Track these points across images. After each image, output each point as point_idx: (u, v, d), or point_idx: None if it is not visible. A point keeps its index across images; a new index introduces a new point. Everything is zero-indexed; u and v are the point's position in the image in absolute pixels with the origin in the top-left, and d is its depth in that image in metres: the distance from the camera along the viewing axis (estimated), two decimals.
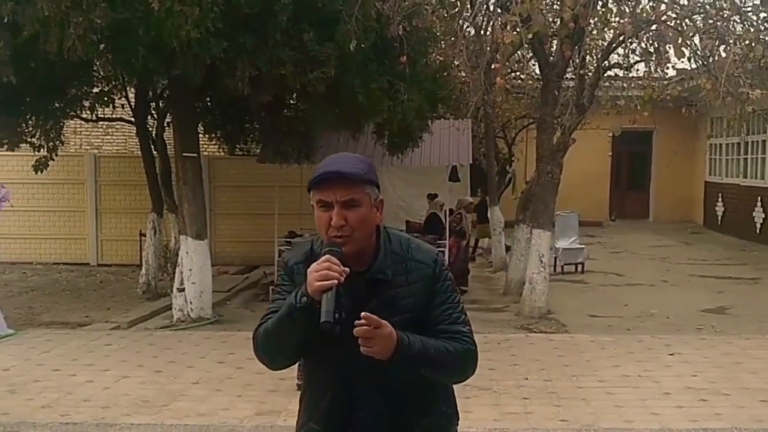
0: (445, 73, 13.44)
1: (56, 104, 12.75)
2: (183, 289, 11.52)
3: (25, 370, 8.80)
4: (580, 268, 16.36)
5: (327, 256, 2.61)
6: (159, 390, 8.04)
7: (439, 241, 13.87)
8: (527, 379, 8.31)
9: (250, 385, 8.14)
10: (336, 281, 2.55)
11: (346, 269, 2.58)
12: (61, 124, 13.85)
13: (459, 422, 3.01)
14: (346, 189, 2.65)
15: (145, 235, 14.64)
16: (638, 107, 12.27)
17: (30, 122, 12.93)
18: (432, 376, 2.79)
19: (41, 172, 14.18)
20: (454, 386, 2.99)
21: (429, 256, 2.83)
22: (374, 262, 2.75)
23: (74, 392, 7.97)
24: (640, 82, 13.01)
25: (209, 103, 13.29)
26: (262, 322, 2.81)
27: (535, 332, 10.82)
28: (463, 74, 15.53)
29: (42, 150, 13.80)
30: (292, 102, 12.46)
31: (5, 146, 13.09)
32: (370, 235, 2.76)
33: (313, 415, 2.87)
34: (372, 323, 2.56)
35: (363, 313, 2.57)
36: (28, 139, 13.45)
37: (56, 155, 14.11)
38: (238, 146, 15.81)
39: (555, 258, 15.75)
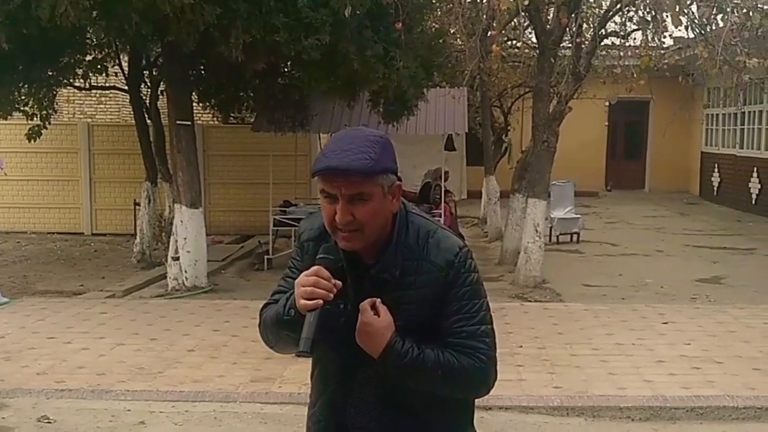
0: (440, 41, 13.39)
1: (49, 72, 12.64)
2: (178, 258, 11.51)
3: (20, 337, 8.81)
4: (575, 237, 16.35)
5: (316, 267, 2.37)
6: (154, 357, 8.06)
7: (434, 211, 13.89)
8: (521, 347, 8.34)
9: (245, 353, 8.15)
10: (321, 301, 2.32)
11: (338, 283, 2.36)
12: (54, 92, 13.77)
13: (474, 414, 2.74)
14: (354, 183, 2.33)
15: (139, 204, 14.60)
16: (635, 76, 12.27)
17: (23, 90, 12.84)
18: (433, 389, 2.49)
19: (34, 141, 14.09)
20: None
21: (445, 257, 2.45)
22: (383, 255, 2.46)
23: (69, 359, 7.98)
24: (637, 50, 12.92)
25: (203, 71, 13.19)
26: (268, 302, 2.64)
27: (529, 301, 10.84)
28: (459, 42, 15.48)
29: (35, 118, 13.72)
30: (286, 70, 12.36)
31: None
32: (384, 227, 2.45)
33: (317, 402, 2.70)
34: (370, 312, 2.39)
35: (377, 300, 2.41)
36: (21, 108, 13.37)
37: (49, 124, 14.04)
38: (232, 114, 15.70)
39: (550, 228, 15.75)
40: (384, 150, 2.40)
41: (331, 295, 2.34)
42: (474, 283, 2.50)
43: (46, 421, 6.41)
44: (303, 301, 2.34)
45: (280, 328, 2.48)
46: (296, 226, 13.85)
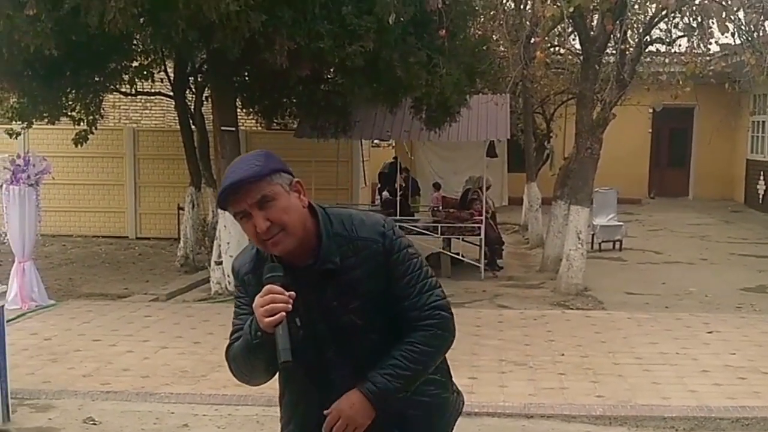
0: (484, 47, 13.34)
1: (96, 78, 12.82)
2: (221, 263, 11.60)
3: (66, 339, 8.94)
4: (617, 245, 16.23)
5: (268, 286, 2.52)
6: (198, 360, 8.13)
7: (475, 218, 13.86)
8: (563, 355, 8.29)
9: None
10: (284, 313, 2.48)
11: (292, 293, 2.51)
12: (101, 97, 13.95)
13: (452, 378, 2.96)
14: (252, 191, 2.53)
15: (183, 209, 14.74)
16: (680, 83, 12.13)
17: (70, 96, 13.04)
18: (422, 377, 2.73)
19: (81, 146, 14.32)
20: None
21: (375, 230, 2.68)
22: (320, 251, 2.63)
23: (114, 362, 8.08)
24: (682, 57, 12.80)
25: (247, 78, 13.30)
26: (231, 343, 2.76)
27: (571, 309, 10.77)
28: (503, 48, 15.43)
29: (82, 123, 13.94)
30: (329, 76, 12.44)
31: (46, 119, 13.20)
32: (303, 221, 2.63)
33: (292, 418, 2.87)
34: (334, 419, 2.61)
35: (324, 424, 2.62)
36: (69, 113, 13.59)
37: (96, 129, 14.26)
38: (275, 120, 15.82)
39: (592, 235, 15.64)
40: (267, 157, 2.62)
41: (290, 306, 2.49)
42: (407, 245, 2.73)
43: (92, 422, 6.50)
44: (267, 319, 2.48)
45: (253, 355, 2.62)
46: None
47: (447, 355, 2.88)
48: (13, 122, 13.92)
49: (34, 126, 13.90)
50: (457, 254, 13.83)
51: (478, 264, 13.43)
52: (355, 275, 2.63)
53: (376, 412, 2.64)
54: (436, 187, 17.23)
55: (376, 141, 20.12)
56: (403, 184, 16.45)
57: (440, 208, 15.49)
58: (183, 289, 12.16)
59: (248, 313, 2.65)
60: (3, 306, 6.47)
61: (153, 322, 9.78)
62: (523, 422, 6.52)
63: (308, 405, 2.78)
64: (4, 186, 10.30)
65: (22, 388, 7.09)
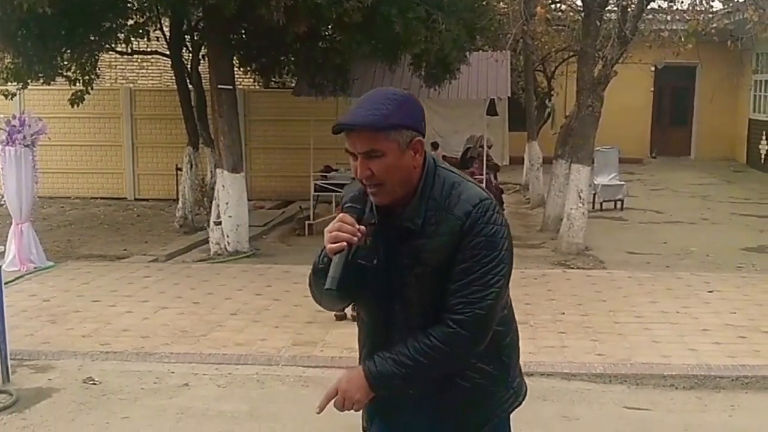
0: (484, 3, 13.18)
1: (91, 37, 12.67)
2: (220, 223, 11.56)
3: (66, 300, 8.92)
4: (619, 204, 16.18)
5: (341, 214, 2.54)
6: (197, 321, 8.12)
7: (476, 176, 13.79)
8: (564, 313, 8.28)
9: (288, 317, 8.19)
10: (345, 243, 2.47)
11: (362, 228, 2.50)
12: (96, 57, 13.82)
13: (514, 379, 2.81)
14: (364, 140, 2.48)
15: (181, 169, 14.67)
16: (682, 40, 12.01)
17: (65, 55, 12.90)
18: (428, 372, 2.61)
19: (77, 106, 14.22)
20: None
21: (464, 207, 2.54)
22: (407, 207, 2.60)
23: (114, 322, 8.07)
24: (684, 14, 12.65)
25: (244, 35, 13.15)
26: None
27: (572, 268, 10.74)
28: (503, 4, 15.27)
29: (78, 84, 13.82)
30: (327, 33, 12.28)
31: (41, 79, 13.06)
32: (407, 181, 2.56)
33: (361, 352, 2.85)
34: (332, 391, 2.61)
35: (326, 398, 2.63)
36: (64, 73, 13.45)
37: (92, 89, 14.13)
38: (273, 79, 15.71)
39: (594, 194, 15.57)
40: (399, 107, 2.50)
41: (355, 239, 2.49)
42: (491, 234, 2.55)
43: (92, 382, 6.49)
44: (329, 246, 2.50)
45: (317, 278, 2.61)
46: (337, 191, 13.86)
47: (505, 347, 2.77)
48: (8, 83, 13.78)
49: (29, 87, 13.77)
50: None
51: None
52: (429, 243, 2.56)
53: (374, 392, 2.60)
54: (434, 146, 17.13)
55: None
56: None
57: None
58: (182, 249, 12.12)
59: None
60: (1, 267, 6.43)
61: (152, 283, 9.75)
62: None
63: (373, 345, 2.74)
64: (0, 147, 10.21)
65: (22, 349, 7.07)
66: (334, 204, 14.17)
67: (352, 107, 2.53)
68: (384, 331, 2.70)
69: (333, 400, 2.63)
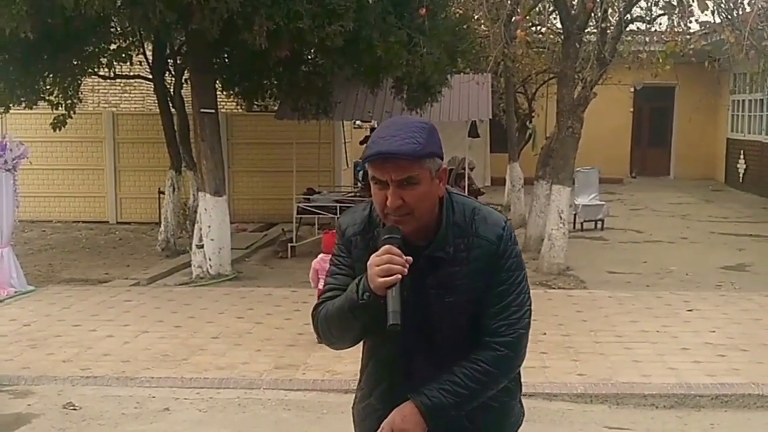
0: (464, 26, 13.28)
1: (74, 61, 12.70)
2: (202, 246, 11.55)
3: (46, 325, 8.88)
4: (599, 225, 16.27)
5: (387, 246, 2.43)
6: (179, 344, 8.10)
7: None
8: (545, 334, 8.31)
9: (269, 340, 8.18)
10: (399, 276, 2.39)
11: (409, 258, 2.43)
12: (79, 81, 13.82)
13: (522, 393, 2.87)
14: (402, 168, 2.42)
15: (163, 193, 14.65)
16: (660, 61, 12.13)
17: (48, 80, 12.91)
18: (481, 398, 2.61)
19: (59, 130, 14.19)
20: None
21: (494, 231, 2.57)
22: (435, 236, 2.56)
23: (94, 347, 8.04)
24: (662, 35, 12.81)
25: (227, 59, 13.20)
26: (322, 301, 2.69)
27: (553, 288, 10.80)
28: (484, 27, 15.40)
29: (60, 108, 13.80)
30: (309, 57, 12.34)
31: (23, 104, 13.04)
32: (433, 209, 2.55)
33: (374, 391, 2.78)
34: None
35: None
36: (46, 97, 13.44)
37: (74, 113, 14.12)
38: (255, 102, 15.74)
39: (575, 215, 15.66)
40: (430, 135, 2.48)
41: (406, 270, 2.41)
42: (518, 255, 2.64)
43: (72, 408, 6.47)
44: (381, 279, 2.39)
45: (353, 316, 2.52)
46: (320, 213, 13.84)
47: None
48: None
49: (11, 111, 13.75)
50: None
51: None
52: (460, 271, 2.56)
53: (428, 426, 2.56)
54: None
55: (357, 122, 20.05)
56: None
57: None
58: (164, 273, 12.09)
59: (346, 275, 2.62)
60: None
61: (133, 307, 9.73)
62: None
63: (392, 383, 2.70)
64: None
65: (1, 375, 7.07)
66: (316, 226, 14.19)
67: (381, 135, 2.47)
68: (406, 363, 2.66)
69: None
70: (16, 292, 10.34)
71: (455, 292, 2.55)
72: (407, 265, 2.42)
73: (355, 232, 2.67)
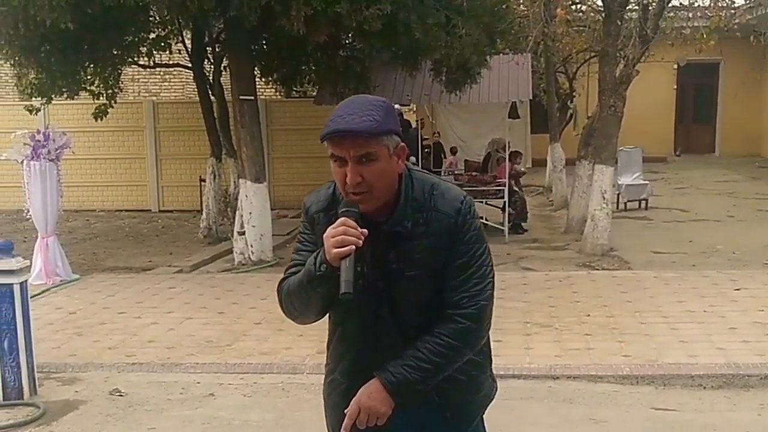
0: (503, 6, 13.17)
1: (114, 51, 12.79)
2: (243, 233, 11.60)
3: (91, 313, 8.98)
4: (643, 204, 16.09)
5: (343, 218, 2.48)
6: (222, 330, 8.14)
7: (498, 180, 13.76)
8: (589, 315, 8.22)
9: (312, 325, 8.15)
10: (354, 246, 2.44)
11: (365, 231, 2.47)
12: (119, 71, 13.94)
13: (492, 366, 2.90)
14: (359, 145, 2.46)
15: (204, 180, 14.73)
16: (704, 37, 11.92)
17: (88, 70, 13.03)
18: (444, 372, 2.65)
19: (101, 120, 14.34)
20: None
21: (452, 205, 2.62)
22: (393, 212, 2.61)
23: (139, 334, 8.11)
24: (706, 10, 12.56)
25: (265, 46, 13.22)
26: (286, 277, 2.74)
27: (597, 269, 10.68)
28: (523, 7, 15.24)
29: (101, 97, 13.95)
30: (347, 41, 12.32)
31: (65, 94, 13.19)
32: (392, 186, 2.59)
33: (338, 366, 2.84)
34: (355, 412, 2.60)
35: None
36: (87, 87, 13.58)
37: (115, 102, 14.27)
38: (294, 88, 15.76)
39: (618, 194, 15.49)
40: (387, 113, 2.53)
41: (360, 242, 2.45)
42: (478, 228, 2.67)
43: (118, 394, 6.52)
44: (336, 250, 2.44)
45: (312, 288, 2.57)
46: None
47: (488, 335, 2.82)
48: (32, 98, 13.92)
49: (53, 101, 13.90)
50: (480, 218, 13.72)
51: (501, 227, 13.34)
52: (420, 245, 2.60)
53: (396, 401, 2.61)
54: (453, 151, 17.10)
55: (396, 105, 19.99)
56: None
57: (455, 171, 15.43)
58: (206, 260, 12.17)
59: (310, 251, 2.64)
60: (27, 281, 6.48)
61: (177, 294, 9.80)
62: (550, 383, 6.47)
63: (356, 356, 2.75)
64: (25, 162, 10.31)
65: (49, 362, 7.12)
66: None
67: (338, 113, 2.50)
68: (371, 339, 2.70)
69: (356, 420, 2.63)
70: (61, 280, 10.48)
71: (415, 266, 2.60)
72: (362, 237, 2.46)
73: (318, 209, 2.71)
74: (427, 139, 19.50)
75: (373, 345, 2.70)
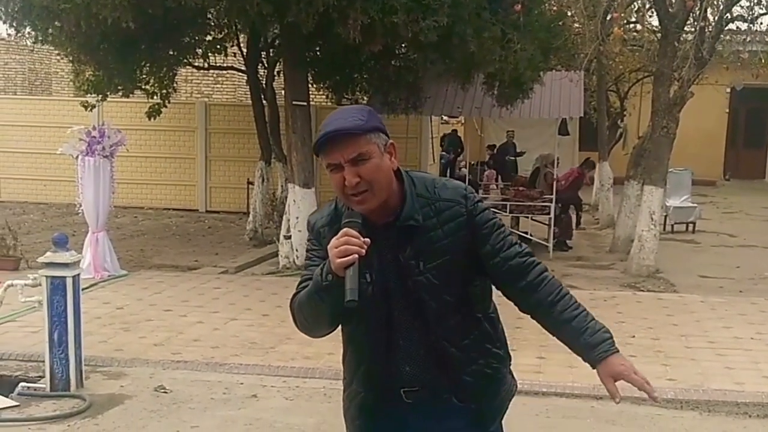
0: (559, 23, 13.13)
1: (170, 52, 12.98)
2: (290, 237, 11.67)
3: (138, 309, 9.09)
4: (691, 227, 15.92)
5: (345, 229, 2.55)
6: (266, 333, 8.20)
7: (545, 196, 13.70)
8: (634, 336, 8.15)
9: None
10: (356, 255, 2.49)
11: (367, 240, 2.53)
12: (174, 71, 14.14)
13: (512, 362, 2.96)
14: (350, 146, 2.55)
15: (252, 183, 14.86)
16: (762, 62, 11.79)
17: (144, 69, 13.23)
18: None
19: (154, 119, 14.53)
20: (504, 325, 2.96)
21: (457, 192, 2.74)
22: (402, 209, 2.68)
23: (185, 332, 8.20)
24: (764, 35, 12.41)
25: (319, 53, 13.31)
26: (297, 292, 2.78)
27: (642, 290, 10.59)
28: (578, 24, 15.16)
29: (155, 97, 14.13)
30: (401, 51, 12.36)
31: (120, 92, 13.40)
32: (390, 183, 2.66)
33: (354, 376, 2.88)
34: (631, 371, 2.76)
35: None
36: (143, 86, 13.77)
37: (169, 102, 14.44)
38: (345, 96, 15.82)
39: (665, 216, 15.34)
40: (370, 113, 2.65)
41: (363, 251, 2.51)
42: (487, 209, 2.79)
43: (163, 390, 6.60)
44: (339, 260, 2.50)
45: (320, 299, 2.63)
46: None
47: (510, 335, 2.88)
48: (88, 95, 14.15)
49: (108, 99, 14.11)
50: (525, 233, 13.69)
51: (546, 243, 13.29)
52: (436, 235, 2.68)
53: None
54: (491, 147, 17.09)
55: (444, 117, 20.02)
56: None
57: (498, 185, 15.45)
58: (252, 262, 12.27)
59: (319, 266, 2.68)
60: (79, 274, 6.59)
61: (222, 294, 9.90)
62: (592, 403, 6.43)
63: (371, 365, 2.80)
64: (80, 157, 10.48)
65: (95, 356, 7.23)
66: None
67: (325, 124, 2.60)
68: (382, 347, 2.75)
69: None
70: (109, 275, 10.63)
71: (436, 255, 2.67)
72: (365, 246, 2.51)
73: (323, 224, 2.78)
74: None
75: (384, 353, 2.75)
